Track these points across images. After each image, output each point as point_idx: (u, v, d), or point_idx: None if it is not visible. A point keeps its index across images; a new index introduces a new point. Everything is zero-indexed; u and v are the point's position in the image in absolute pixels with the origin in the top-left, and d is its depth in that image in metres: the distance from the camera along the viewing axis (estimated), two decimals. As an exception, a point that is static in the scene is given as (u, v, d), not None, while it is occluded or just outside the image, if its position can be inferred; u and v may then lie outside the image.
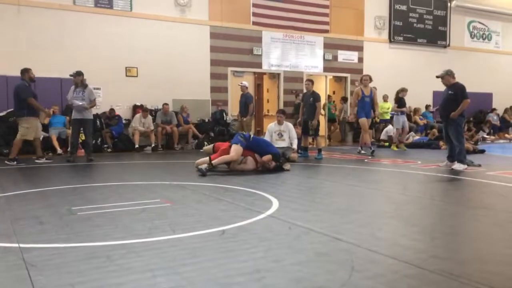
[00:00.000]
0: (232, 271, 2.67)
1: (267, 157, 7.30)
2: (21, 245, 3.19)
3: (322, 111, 13.92)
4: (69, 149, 9.33)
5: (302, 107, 9.98)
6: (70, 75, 8.97)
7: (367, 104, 10.16)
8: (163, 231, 3.57)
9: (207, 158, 7.32)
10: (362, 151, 10.33)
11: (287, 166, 7.55)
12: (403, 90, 11.82)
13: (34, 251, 3.07)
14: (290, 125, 9.27)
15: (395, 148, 11.59)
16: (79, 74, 8.92)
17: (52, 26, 11.25)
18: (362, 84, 10.23)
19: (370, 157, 9.66)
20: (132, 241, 3.30)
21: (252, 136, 7.84)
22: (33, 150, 8.87)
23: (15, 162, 8.30)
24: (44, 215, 4.19)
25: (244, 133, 8.16)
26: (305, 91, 10.20)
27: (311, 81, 9.93)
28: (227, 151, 7.33)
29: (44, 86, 10.28)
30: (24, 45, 10.92)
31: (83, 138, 9.32)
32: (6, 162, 8.34)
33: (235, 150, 7.25)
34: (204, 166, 6.94)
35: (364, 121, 10.20)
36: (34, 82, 8.65)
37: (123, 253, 3.01)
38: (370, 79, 10.18)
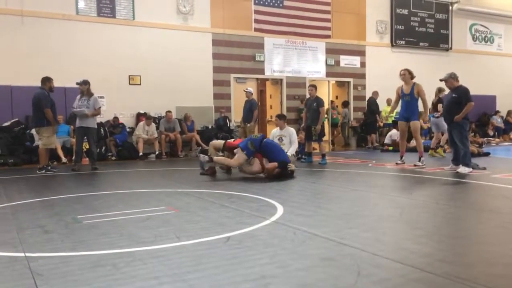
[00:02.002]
0: (238, 278, 2.67)
1: (272, 165, 7.16)
2: (27, 254, 3.21)
3: (326, 115, 13.93)
4: (73, 157, 9.37)
5: (306, 113, 9.98)
6: (77, 83, 9.03)
7: (405, 104, 8.71)
8: (168, 239, 3.57)
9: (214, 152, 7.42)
10: (399, 161, 8.92)
11: (291, 166, 7.35)
12: (443, 90, 10.30)
13: (40, 260, 3.08)
14: (291, 130, 9.30)
15: (443, 154, 10.47)
16: (85, 83, 8.98)
17: (56, 36, 11.33)
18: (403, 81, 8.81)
19: (422, 166, 8.50)
20: (137, 249, 3.31)
21: (264, 140, 7.53)
22: (37, 159, 8.93)
23: (43, 171, 8.46)
24: (49, 224, 4.20)
25: (257, 136, 7.59)
26: (308, 96, 10.20)
27: (314, 87, 9.94)
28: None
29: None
30: (28, 55, 10.99)
31: (88, 146, 9.36)
32: (37, 171, 8.46)
33: (238, 158, 7.17)
34: (204, 158, 6.92)
35: (401, 125, 8.91)
36: (52, 92, 8.68)
37: (129, 261, 3.01)
38: (409, 73, 8.71)
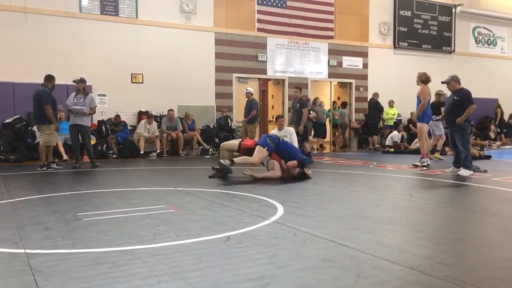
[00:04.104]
0: (237, 277, 2.67)
1: (293, 163, 7.09)
2: (27, 251, 3.21)
3: (326, 116, 13.96)
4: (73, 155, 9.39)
5: (292, 114, 10.15)
6: (74, 81, 9.06)
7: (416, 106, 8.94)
8: (168, 237, 3.57)
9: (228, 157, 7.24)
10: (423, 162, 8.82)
11: (308, 171, 7.29)
12: (442, 94, 10.42)
13: (40, 257, 3.08)
14: (291, 129, 9.32)
15: (440, 157, 10.54)
16: (82, 81, 9.02)
17: (59, 33, 11.34)
18: None
19: (425, 167, 8.62)
20: (137, 247, 3.31)
21: (281, 139, 7.52)
22: (38, 156, 8.93)
23: (45, 168, 8.47)
24: (50, 221, 4.20)
25: (274, 134, 7.73)
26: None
27: (299, 88, 10.34)
28: (252, 152, 7.16)
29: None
30: (31, 52, 11.01)
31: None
32: (38, 168, 8.46)
33: (259, 154, 7.02)
34: (226, 162, 6.72)
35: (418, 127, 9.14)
36: (53, 90, 8.68)
37: (128, 259, 3.01)
38: (419, 77, 9.00)
